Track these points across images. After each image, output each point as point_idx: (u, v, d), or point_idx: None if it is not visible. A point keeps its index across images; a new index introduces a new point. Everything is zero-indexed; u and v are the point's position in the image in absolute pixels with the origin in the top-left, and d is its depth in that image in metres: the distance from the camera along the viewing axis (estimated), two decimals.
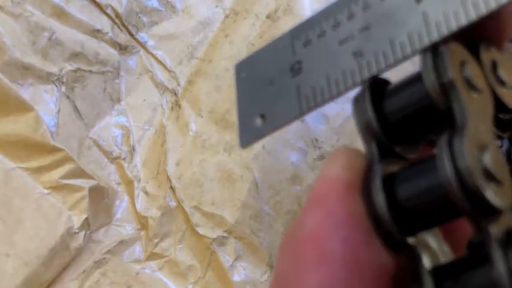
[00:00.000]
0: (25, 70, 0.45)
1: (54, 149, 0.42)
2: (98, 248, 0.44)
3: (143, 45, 0.52)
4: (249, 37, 0.52)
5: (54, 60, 0.47)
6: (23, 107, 0.42)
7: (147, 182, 0.48)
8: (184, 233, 0.46)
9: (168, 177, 0.48)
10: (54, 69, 0.47)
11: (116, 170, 0.48)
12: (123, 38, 0.51)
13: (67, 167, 0.43)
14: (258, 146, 0.49)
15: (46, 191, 0.42)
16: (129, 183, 0.48)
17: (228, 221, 0.46)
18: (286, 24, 0.52)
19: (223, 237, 0.46)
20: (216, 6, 0.53)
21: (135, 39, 0.52)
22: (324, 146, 0.49)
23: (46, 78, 0.46)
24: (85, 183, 0.43)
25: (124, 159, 0.48)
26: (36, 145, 0.42)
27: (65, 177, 0.43)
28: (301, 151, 0.49)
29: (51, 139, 0.42)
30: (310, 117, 0.49)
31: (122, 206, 0.47)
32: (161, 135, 0.49)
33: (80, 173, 0.43)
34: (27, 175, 0.42)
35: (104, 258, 0.44)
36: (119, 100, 0.50)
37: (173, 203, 0.47)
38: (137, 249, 0.46)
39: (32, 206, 0.41)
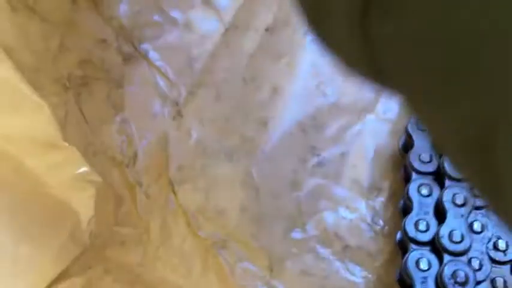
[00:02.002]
0: (36, 72, 0.46)
1: (65, 148, 0.43)
2: (102, 248, 0.45)
3: (146, 57, 0.53)
4: (248, 49, 0.54)
5: (63, 65, 0.48)
6: (36, 107, 0.43)
7: (149, 187, 0.49)
8: (185, 236, 0.47)
9: (170, 181, 0.49)
10: (62, 74, 0.48)
11: (118, 175, 0.49)
12: (127, 49, 0.53)
13: (76, 166, 0.44)
14: (259, 154, 0.50)
15: (55, 189, 0.43)
16: (131, 188, 0.49)
17: (229, 224, 0.47)
18: (285, 37, 0.55)
19: (224, 240, 0.47)
20: (217, 20, 0.56)
21: (138, 51, 0.53)
22: (322, 153, 0.51)
23: (55, 82, 0.47)
24: (93, 183, 0.44)
25: (127, 165, 0.49)
26: (48, 144, 0.43)
27: (74, 176, 0.44)
28: (300, 158, 0.50)
29: (62, 139, 0.43)
30: (310, 126, 0.51)
31: (124, 210, 0.48)
32: (163, 141, 0.51)
33: (88, 173, 0.44)
34: (38, 172, 0.42)
35: (108, 257, 0.45)
36: (122, 109, 0.51)
37: (175, 207, 0.48)
38: (140, 252, 0.46)
39: (42, 202, 0.41)
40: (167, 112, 0.52)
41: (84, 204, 0.43)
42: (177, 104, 0.53)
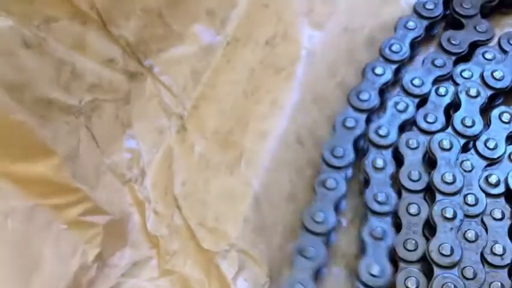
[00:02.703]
0: (49, 105, 0.48)
1: (75, 190, 0.46)
2: (113, 272, 0.48)
3: (151, 72, 0.55)
4: (249, 62, 0.55)
5: (74, 92, 0.50)
6: (48, 152, 0.45)
7: (157, 203, 0.51)
8: (191, 249, 0.49)
9: (174, 197, 0.51)
10: (74, 102, 0.50)
11: (128, 192, 0.51)
12: (133, 65, 0.54)
13: (85, 205, 0.46)
14: (259, 165, 0.51)
15: (64, 227, 0.45)
16: (140, 205, 0.51)
17: (230, 235, 0.49)
18: (285, 50, 0.55)
19: (226, 250, 0.49)
20: (218, 34, 0.57)
21: (144, 66, 0.55)
22: (319, 166, 0.51)
23: (67, 110, 0.49)
24: (101, 219, 0.47)
25: (135, 181, 0.52)
26: (58, 185, 0.46)
27: (82, 214, 0.46)
28: (298, 170, 0.52)
29: (72, 181, 0.46)
30: (307, 139, 0.53)
31: (134, 227, 0.50)
32: (168, 157, 0.53)
33: (96, 210, 0.47)
34: (48, 211, 0.45)
35: (119, 282, 0.48)
36: (129, 125, 0.53)
37: (180, 221, 0.50)
38: (150, 268, 0.49)
39: (51, 242, 0.44)
40: (172, 126, 0.55)
41: (91, 240, 0.46)
42: (181, 117, 0.55)
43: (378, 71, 0.53)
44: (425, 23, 0.55)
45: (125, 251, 0.49)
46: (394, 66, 0.53)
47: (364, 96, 0.52)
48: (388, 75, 0.53)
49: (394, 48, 0.54)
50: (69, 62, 0.50)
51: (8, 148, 0.44)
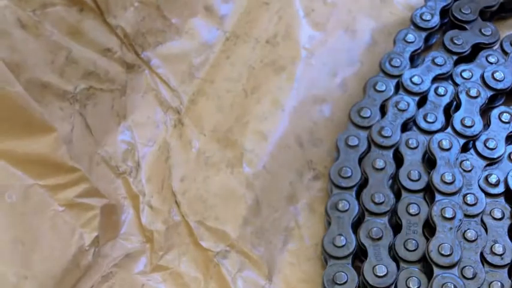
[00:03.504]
0: (43, 88, 0.47)
1: (72, 169, 0.45)
2: (106, 262, 0.47)
3: (148, 64, 0.54)
4: (249, 60, 0.55)
5: (69, 78, 0.49)
6: (45, 128, 0.44)
7: (152, 197, 0.51)
8: (188, 246, 0.49)
9: (173, 192, 0.50)
10: (69, 88, 0.49)
11: (122, 184, 0.50)
12: (130, 57, 0.53)
13: (82, 186, 0.45)
14: (259, 166, 0.51)
15: (61, 208, 0.44)
16: (134, 198, 0.50)
17: (230, 235, 0.49)
18: (285, 50, 0.55)
19: (226, 250, 0.48)
20: (217, 29, 0.56)
21: (141, 58, 0.54)
22: (318, 167, 0.52)
23: (62, 96, 0.48)
24: (98, 202, 0.46)
25: (130, 174, 0.51)
26: (55, 164, 0.44)
27: (79, 195, 0.45)
28: (297, 172, 0.51)
29: (69, 160, 0.45)
30: (307, 140, 0.52)
31: (127, 219, 0.49)
32: (165, 151, 0.52)
33: (93, 192, 0.46)
34: (44, 192, 0.44)
35: (111, 272, 0.47)
36: (125, 117, 0.52)
37: (178, 218, 0.49)
38: (143, 262, 0.48)
39: (48, 223, 0.43)
40: (169, 120, 0.54)
41: (88, 223, 0.45)
42: (178, 112, 0.54)
43: (379, 87, 0.53)
44: (423, 34, 0.55)
45: (117, 241, 0.48)
46: (395, 81, 0.53)
47: (366, 113, 0.51)
48: (390, 91, 0.52)
49: (394, 62, 0.54)
50: (64, 46, 0.49)
51: (4, 123, 0.43)
